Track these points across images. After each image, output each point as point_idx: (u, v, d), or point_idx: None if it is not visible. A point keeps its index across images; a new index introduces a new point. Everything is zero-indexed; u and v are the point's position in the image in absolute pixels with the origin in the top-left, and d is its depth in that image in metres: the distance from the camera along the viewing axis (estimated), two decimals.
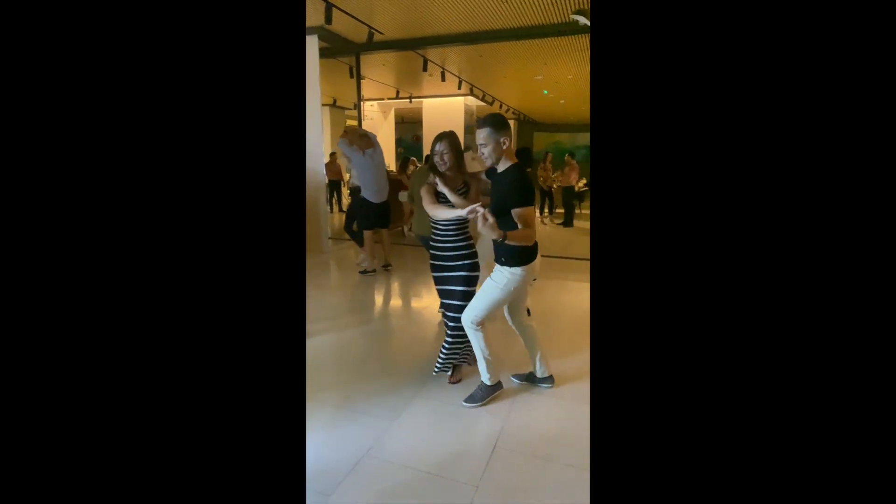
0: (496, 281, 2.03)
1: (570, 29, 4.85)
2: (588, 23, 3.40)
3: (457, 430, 1.98)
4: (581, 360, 2.68)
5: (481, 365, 2.17)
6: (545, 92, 8.79)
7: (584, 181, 8.82)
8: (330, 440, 1.86)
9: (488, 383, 2.18)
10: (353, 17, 4.67)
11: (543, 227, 7.60)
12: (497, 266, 2.04)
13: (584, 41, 5.45)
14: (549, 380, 2.35)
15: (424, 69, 6.40)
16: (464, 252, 2.27)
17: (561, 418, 2.09)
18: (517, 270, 1.98)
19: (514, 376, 2.40)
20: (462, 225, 2.26)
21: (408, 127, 12.91)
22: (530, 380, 2.37)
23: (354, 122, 8.33)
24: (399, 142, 11.41)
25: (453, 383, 2.37)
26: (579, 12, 3.37)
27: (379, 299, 4.01)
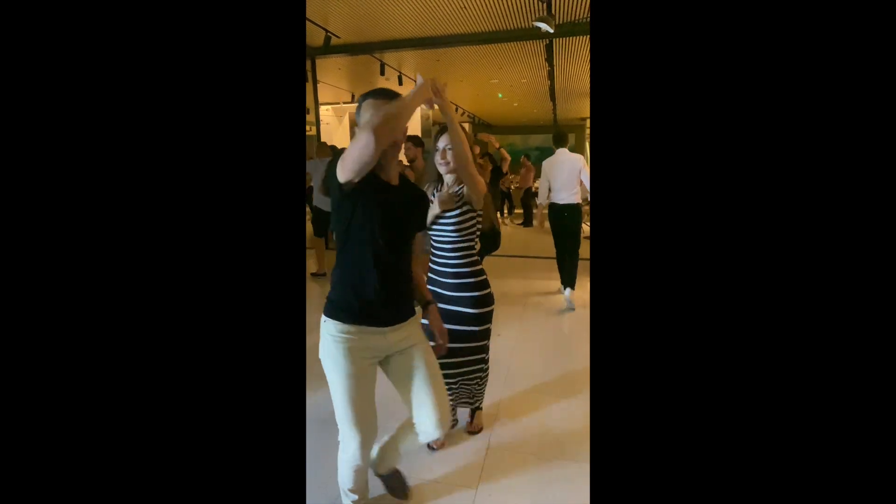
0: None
1: (525, 35, 4.98)
2: (550, 30, 3.51)
3: (447, 435, 1.98)
4: (560, 355, 2.75)
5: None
6: (500, 95, 8.95)
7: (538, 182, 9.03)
8: (317, 456, 1.81)
9: None
10: (308, 19, 4.57)
11: (504, 227, 7.75)
12: None
13: (539, 46, 5.61)
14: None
15: (382, 73, 6.35)
16: (469, 280, 1.71)
17: (548, 413, 2.13)
18: None
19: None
20: (466, 238, 1.69)
21: None
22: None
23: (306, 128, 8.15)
24: None
25: (475, 432, 1.96)
26: (542, 19, 3.47)
27: None
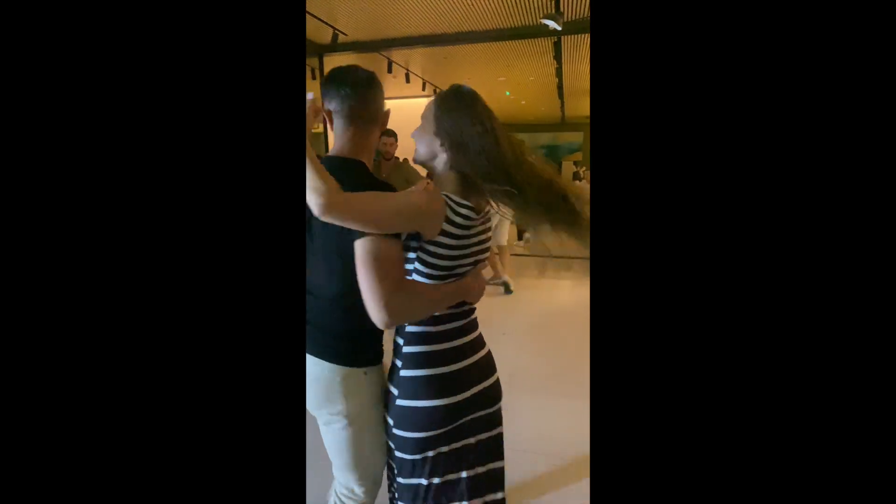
0: None
1: (533, 32, 4.95)
2: (558, 27, 3.48)
3: None
4: (553, 353, 2.73)
5: None
6: (507, 93, 8.90)
7: None
8: (317, 456, 1.81)
9: None
10: (316, 17, 4.58)
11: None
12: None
13: (547, 44, 5.59)
14: None
15: (389, 71, 6.36)
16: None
17: (531, 411, 2.12)
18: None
19: None
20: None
21: None
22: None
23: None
24: None
25: None
26: (550, 17, 3.44)
27: None
